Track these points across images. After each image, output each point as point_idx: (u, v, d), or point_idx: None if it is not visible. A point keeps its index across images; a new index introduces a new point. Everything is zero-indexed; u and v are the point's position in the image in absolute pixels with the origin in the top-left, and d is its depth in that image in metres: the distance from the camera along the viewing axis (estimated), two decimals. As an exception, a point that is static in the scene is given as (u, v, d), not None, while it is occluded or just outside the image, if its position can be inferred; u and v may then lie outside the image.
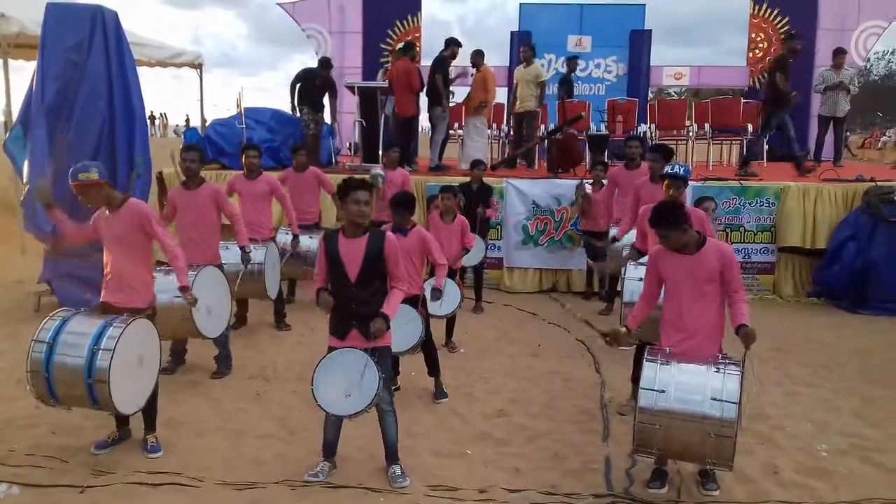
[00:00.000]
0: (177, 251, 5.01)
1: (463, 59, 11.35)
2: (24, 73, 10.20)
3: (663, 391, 4.00)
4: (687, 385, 4.02)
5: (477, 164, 8.76)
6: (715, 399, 3.91)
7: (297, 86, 10.75)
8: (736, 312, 4.22)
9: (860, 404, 5.79)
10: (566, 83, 12.07)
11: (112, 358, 4.25)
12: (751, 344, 4.05)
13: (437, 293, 5.64)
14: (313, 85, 10.74)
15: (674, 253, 4.32)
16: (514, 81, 11.45)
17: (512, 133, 12.23)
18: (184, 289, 4.99)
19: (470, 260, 7.92)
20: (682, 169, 5.37)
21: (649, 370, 4.10)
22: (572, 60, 12.31)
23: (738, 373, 3.99)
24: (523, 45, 11.66)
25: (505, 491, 4.34)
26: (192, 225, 6.20)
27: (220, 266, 6.23)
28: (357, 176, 5.62)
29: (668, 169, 5.51)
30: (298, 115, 10.77)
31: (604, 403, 5.77)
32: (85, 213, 4.96)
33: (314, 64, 11.14)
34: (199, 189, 6.24)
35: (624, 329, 4.54)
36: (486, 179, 8.79)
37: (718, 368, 4.04)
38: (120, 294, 4.74)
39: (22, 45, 9.57)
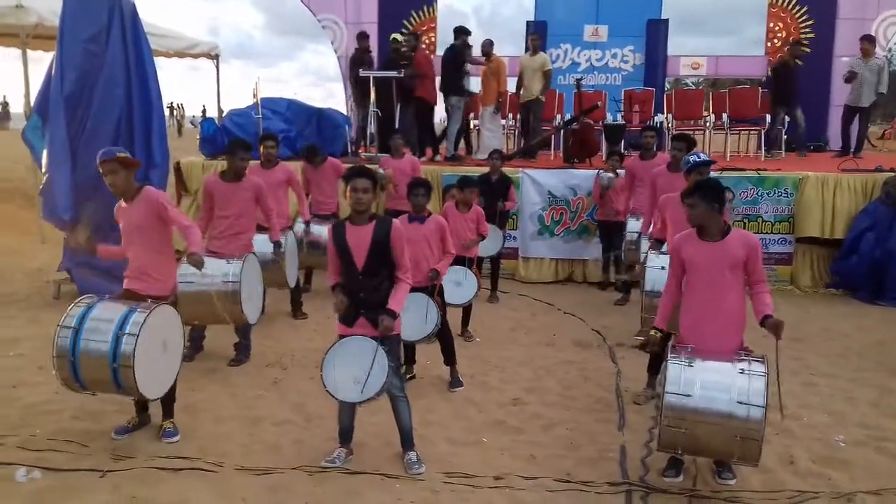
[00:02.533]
0: (193, 227, 4.93)
1: (473, 48, 11.39)
2: (42, 63, 10.29)
3: (689, 395, 3.95)
4: (712, 386, 3.97)
5: (495, 154, 8.74)
6: (741, 402, 3.87)
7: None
8: (759, 303, 4.19)
9: (878, 395, 5.76)
10: (787, 65, 11.73)
11: (136, 342, 4.31)
12: (780, 333, 4.02)
13: (435, 274, 5.54)
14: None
15: (697, 239, 4.29)
16: (519, 69, 11.43)
17: (519, 124, 12.19)
18: (192, 254, 4.80)
19: (488, 250, 7.93)
20: (702, 155, 5.40)
21: (674, 371, 4.03)
22: (797, 46, 11.93)
23: (764, 373, 3.94)
24: (532, 34, 11.65)
25: (520, 478, 4.36)
26: (235, 217, 6.30)
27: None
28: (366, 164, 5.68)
29: (691, 158, 5.49)
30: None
31: (619, 393, 5.76)
32: (104, 206, 5.03)
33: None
34: (242, 182, 6.36)
35: (654, 332, 4.49)
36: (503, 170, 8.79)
37: (743, 369, 3.99)
38: (140, 283, 4.78)
39: (40, 36, 9.66)
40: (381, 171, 8.81)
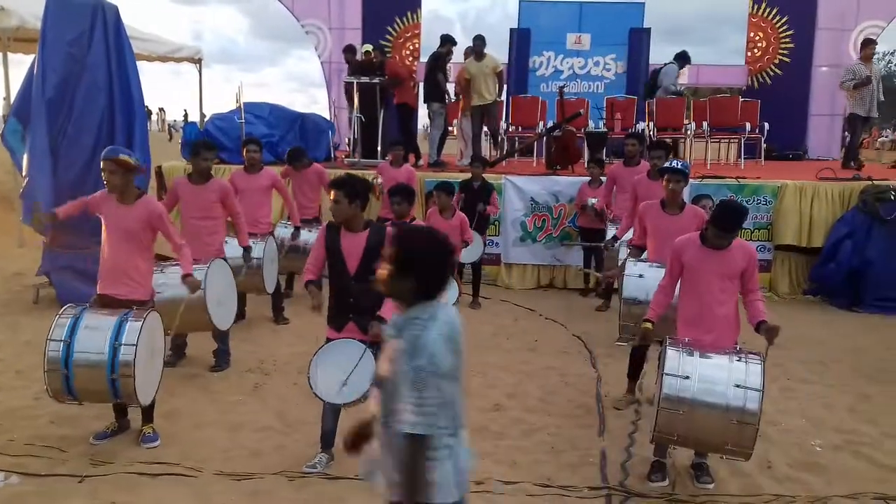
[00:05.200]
0: (185, 249, 5.03)
1: (457, 56, 11.39)
2: (23, 66, 10.20)
3: (687, 377, 4.01)
4: (710, 372, 4.04)
5: (476, 160, 8.77)
6: (738, 385, 3.93)
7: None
8: (754, 310, 4.30)
9: (855, 400, 5.83)
10: None
11: (136, 352, 4.32)
12: (774, 338, 4.11)
13: None
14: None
15: (700, 246, 4.35)
16: (467, 76, 10.89)
17: (474, 130, 11.63)
18: (187, 276, 4.95)
19: (468, 257, 7.96)
20: (680, 163, 5.44)
21: (672, 357, 4.09)
22: None
23: (760, 361, 4.03)
24: (475, 39, 11.01)
25: (501, 483, 4.37)
26: (199, 218, 6.21)
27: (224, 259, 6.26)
28: (353, 171, 5.68)
29: (665, 164, 5.56)
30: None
31: (600, 398, 5.79)
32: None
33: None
34: (207, 184, 6.25)
35: (648, 324, 4.53)
36: (484, 176, 8.84)
37: (740, 357, 4.08)
38: (120, 287, 4.74)
39: (21, 39, 9.57)
40: (371, 177, 8.83)
